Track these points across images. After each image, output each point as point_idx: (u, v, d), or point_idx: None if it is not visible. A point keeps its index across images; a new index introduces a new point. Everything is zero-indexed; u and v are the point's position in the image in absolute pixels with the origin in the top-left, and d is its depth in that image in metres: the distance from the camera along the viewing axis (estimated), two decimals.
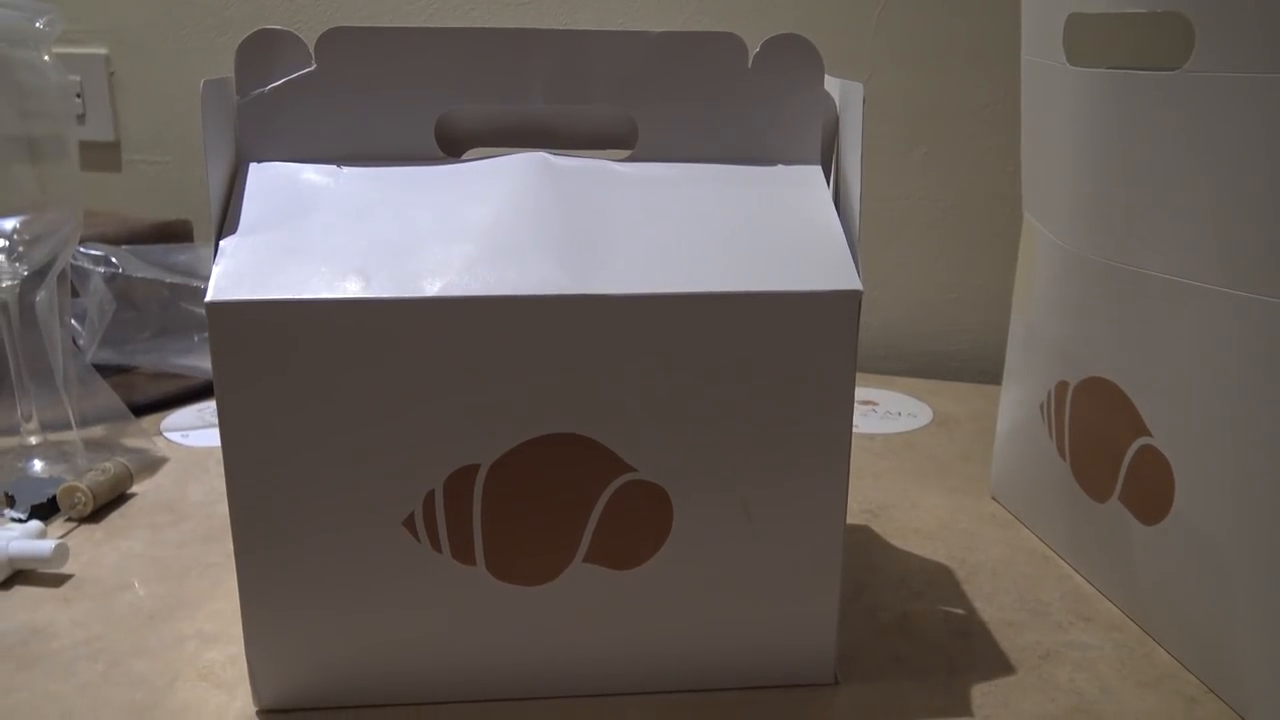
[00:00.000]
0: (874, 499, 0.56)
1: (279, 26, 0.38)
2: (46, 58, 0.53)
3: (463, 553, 0.37)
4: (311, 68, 0.38)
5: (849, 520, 0.53)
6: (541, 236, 0.36)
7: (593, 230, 0.37)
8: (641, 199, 0.38)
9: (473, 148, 0.42)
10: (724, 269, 0.36)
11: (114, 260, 0.63)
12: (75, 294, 0.63)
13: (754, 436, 0.36)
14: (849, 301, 0.36)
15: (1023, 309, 0.51)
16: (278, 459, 0.35)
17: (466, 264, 0.35)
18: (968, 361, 0.79)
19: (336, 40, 0.38)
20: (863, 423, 0.66)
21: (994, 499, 0.55)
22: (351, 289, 0.34)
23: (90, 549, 0.50)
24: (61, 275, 0.58)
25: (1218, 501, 0.38)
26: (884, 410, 0.68)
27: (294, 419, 0.35)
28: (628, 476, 0.37)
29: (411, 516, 0.36)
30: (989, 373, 0.77)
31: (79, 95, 0.91)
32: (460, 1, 0.82)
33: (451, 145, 0.41)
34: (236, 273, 0.34)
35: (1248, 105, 0.34)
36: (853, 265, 0.36)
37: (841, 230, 0.37)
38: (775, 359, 0.36)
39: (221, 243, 0.35)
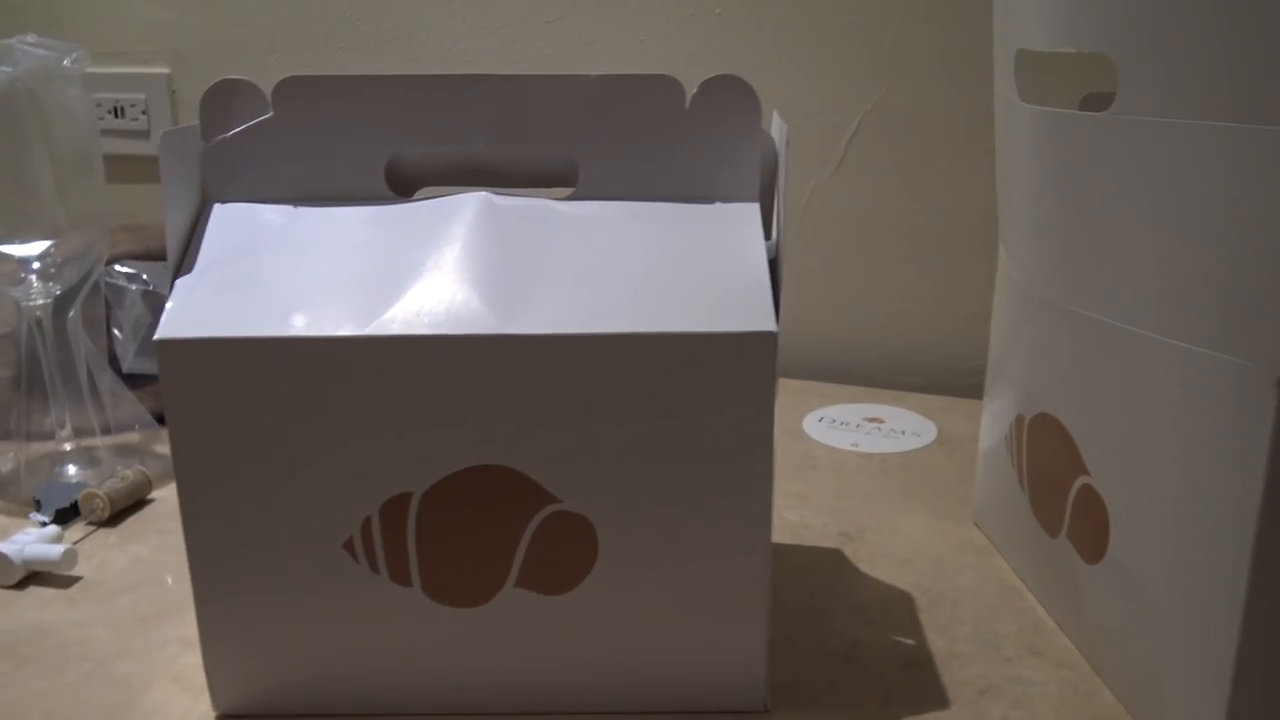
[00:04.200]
0: (855, 522, 0.56)
1: (240, 76, 0.40)
2: (74, 93, 0.57)
3: (400, 575, 0.39)
4: (269, 114, 0.40)
5: (824, 543, 0.54)
6: (475, 276, 0.38)
7: (526, 270, 0.38)
8: (577, 238, 0.39)
9: (424, 187, 0.44)
10: (646, 309, 0.37)
11: (146, 278, 0.67)
12: (110, 307, 0.68)
13: (675, 471, 0.38)
14: (764, 343, 0.36)
15: (995, 337, 0.50)
16: (226, 485, 0.38)
17: (402, 303, 0.37)
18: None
19: (292, 88, 0.40)
20: (864, 441, 0.66)
21: (976, 525, 0.55)
22: (291, 327, 0.36)
23: (103, 552, 0.53)
24: (94, 290, 0.62)
25: (1151, 545, 0.37)
26: (889, 428, 0.68)
27: (240, 448, 0.37)
28: (553, 507, 0.38)
29: (351, 540, 0.38)
30: None
31: (144, 112, 0.97)
32: (492, 21, 0.84)
33: (403, 185, 0.43)
34: (186, 310, 0.37)
35: (1172, 150, 0.34)
36: (770, 306, 0.37)
37: (766, 270, 0.38)
38: (693, 397, 0.37)
39: (177, 281, 0.38)
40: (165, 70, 0.96)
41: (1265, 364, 0.32)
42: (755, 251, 0.39)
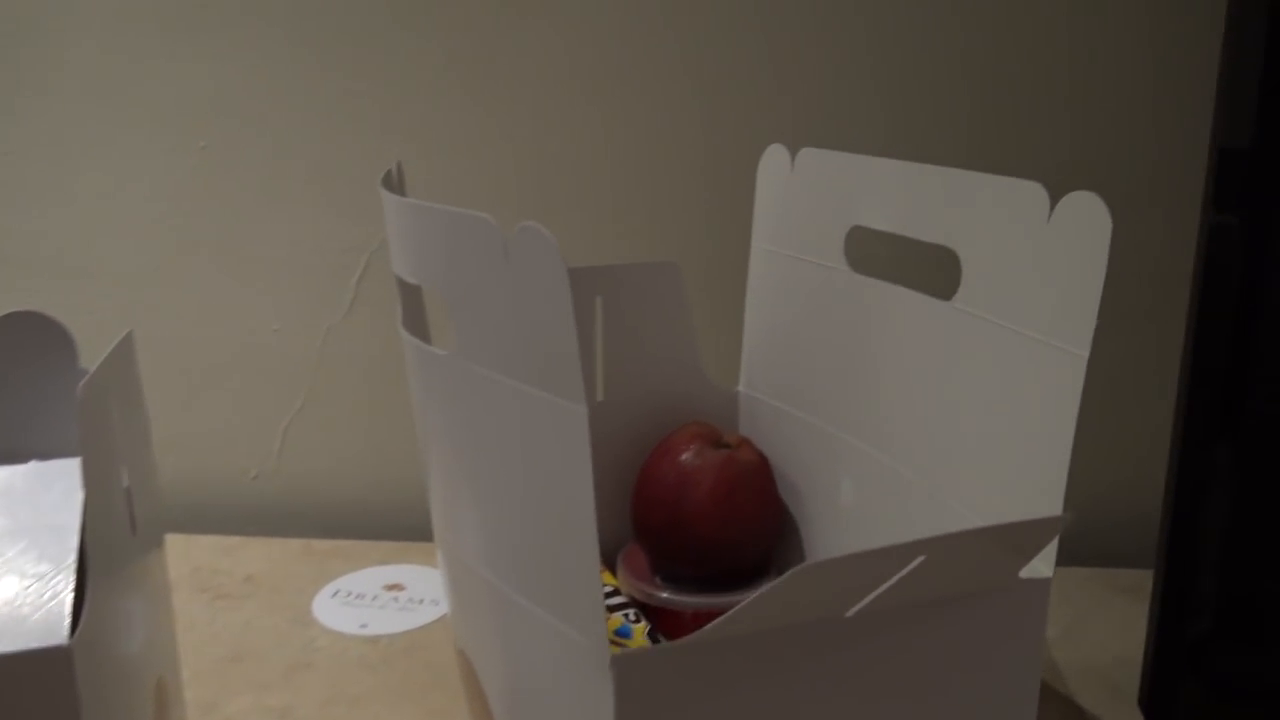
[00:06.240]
0: None
1: None
2: None
3: None
4: None
5: None
6: None
7: None
8: None
9: None
10: None
11: None
12: None
13: None
14: (55, 660, 0.30)
15: None
16: None
17: None
18: None
19: None
20: (375, 619, 0.61)
21: None
22: None
23: None
24: None
25: None
26: (407, 597, 0.63)
27: None
28: None
29: None
30: None
31: None
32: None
33: None
34: None
35: (489, 404, 0.31)
36: (64, 615, 0.30)
37: (74, 557, 0.32)
38: None
39: None
40: None
41: (596, 639, 0.29)
42: (65, 534, 0.32)
